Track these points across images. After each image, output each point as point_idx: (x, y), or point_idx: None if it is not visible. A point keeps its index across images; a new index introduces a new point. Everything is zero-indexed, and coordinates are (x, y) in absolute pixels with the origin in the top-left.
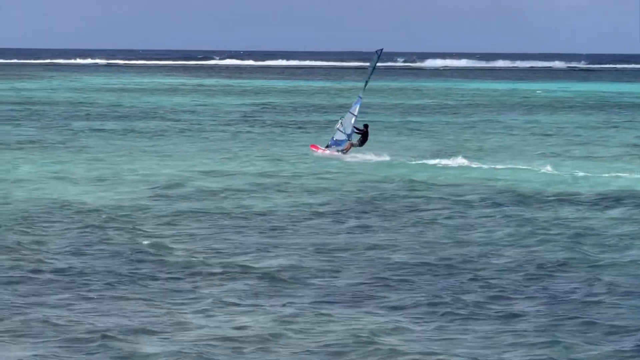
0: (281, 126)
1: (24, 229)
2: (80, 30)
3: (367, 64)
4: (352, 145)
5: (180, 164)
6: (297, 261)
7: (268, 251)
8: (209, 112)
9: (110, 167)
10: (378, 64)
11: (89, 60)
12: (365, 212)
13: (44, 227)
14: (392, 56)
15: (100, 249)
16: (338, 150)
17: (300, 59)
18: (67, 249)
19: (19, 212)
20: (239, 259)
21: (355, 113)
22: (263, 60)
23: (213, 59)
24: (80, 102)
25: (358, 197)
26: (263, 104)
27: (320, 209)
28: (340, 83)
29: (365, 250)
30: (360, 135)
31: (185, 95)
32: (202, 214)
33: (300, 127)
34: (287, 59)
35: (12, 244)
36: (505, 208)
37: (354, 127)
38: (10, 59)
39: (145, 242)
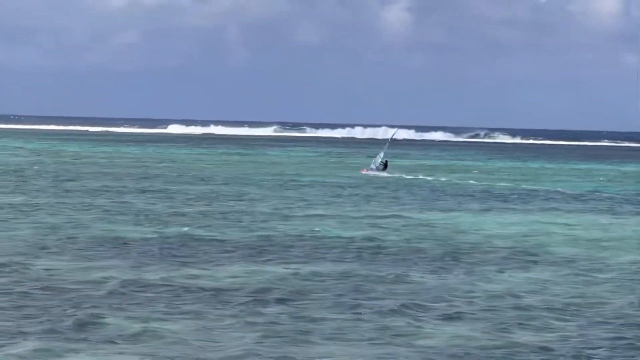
0: None
1: None
2: None
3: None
4: (379, 170)
5: None
6: None
7: None
8: None
9: None
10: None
11: None
12: None
13: None
14: None
15: None
16: (373, 172)
17: None
18: None
19: None
20: None
21: (381, 156)
22: None
23: None
24: None
25: None
26: None
27: None
28: None
29: None
30: (383, 166)
31: None
32: None
33: None
34: None
35: None
36: None
37: (381, 161)
38: None
39: None
